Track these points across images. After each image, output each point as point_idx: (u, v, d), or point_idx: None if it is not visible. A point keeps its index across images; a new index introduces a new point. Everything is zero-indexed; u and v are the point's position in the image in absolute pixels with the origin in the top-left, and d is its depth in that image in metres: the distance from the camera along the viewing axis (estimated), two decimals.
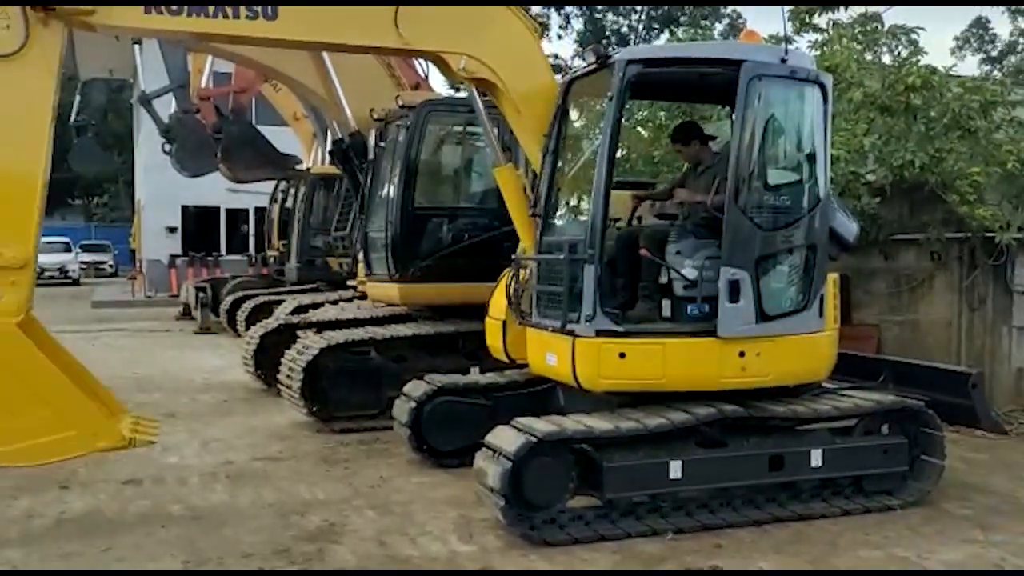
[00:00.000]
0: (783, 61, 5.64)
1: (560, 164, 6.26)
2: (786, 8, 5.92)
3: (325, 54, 9.69)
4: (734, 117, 5.63)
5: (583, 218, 5.93)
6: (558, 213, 6.44)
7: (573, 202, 6.86)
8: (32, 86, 4.89)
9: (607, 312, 5.41)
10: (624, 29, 40.29)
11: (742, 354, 5.49)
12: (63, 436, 5.21)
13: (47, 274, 32.55)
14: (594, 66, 5.76)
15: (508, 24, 6.27)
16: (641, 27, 40.92)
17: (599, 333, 5.37)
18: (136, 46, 12.63)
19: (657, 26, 41.36)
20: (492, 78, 6.19)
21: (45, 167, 4.96)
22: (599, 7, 39.37)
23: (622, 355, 5.37)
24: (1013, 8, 43.11)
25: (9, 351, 5.16)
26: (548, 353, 5.82)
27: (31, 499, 6.01)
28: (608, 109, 5.48)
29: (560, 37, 41.64)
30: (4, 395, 5.12)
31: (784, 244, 5.69)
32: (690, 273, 5.63)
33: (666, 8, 40.09)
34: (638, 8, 40.71)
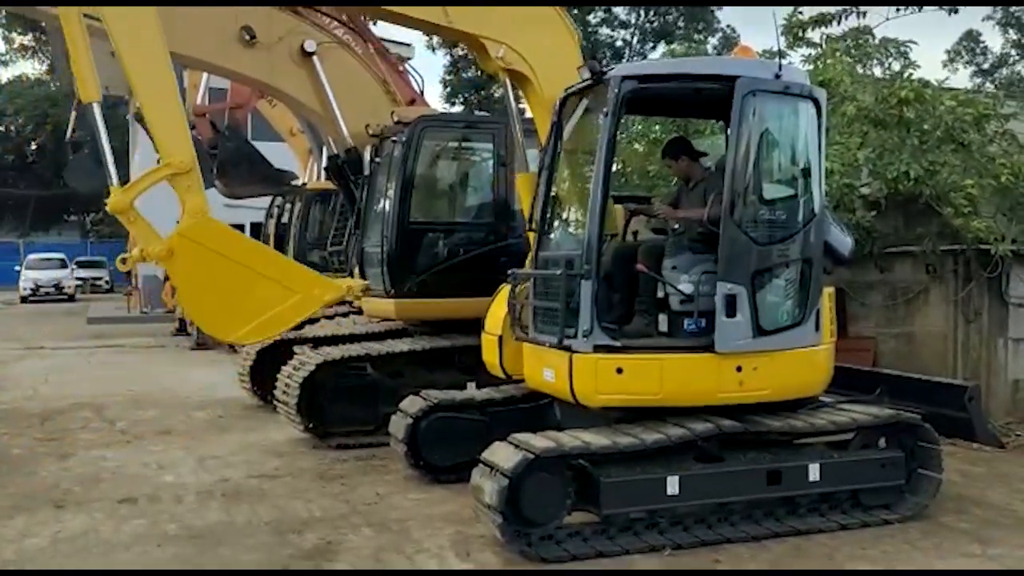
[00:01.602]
0: (777, 76, 5.67)
1: (556, 179, 6.28)
2: (779, 23, 5.95)
3: (321, 70, 9.73)
4: (729, 132, 5.66)
5: (579, 233, 5.94)
6: (555, 228, 6.45)
7: (569, 217, 6.88)
8: (144, 33, 5.74)
9: (604, 327, 5.41)
10: (619, 43, 40.49)
11: (739, 369, 5.49)
12: (291, 302, 5.80)
13: (42, 290, 32.53)
14: (589, 82, 5.79)
15: (554, 26, 6.35)
16: (635, 42, 41.15)
17: (596, 348, 5.37)
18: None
19: (651, 41, 41.61)
20: (528, 73, 6.24)
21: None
22: (591, 24, 39.54)
23: (619, 370, 5.36)
24: (1003, 22, 43.44)
25: (215, 239, 5.77)
26: (545, 368, 5.82)
27: (26, 518, 5.97)
28: (603, 125, 5.50)
29: None
30: (230, 279, 5.73)
31: (780, 258, 5.69)
32: (686, 288, 5.64)
33: (660, 22, 40.32)
34: (633, 22, 40.95)
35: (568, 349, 5.46)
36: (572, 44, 6.39)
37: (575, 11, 38.03)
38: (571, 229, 6.49)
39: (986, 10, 44.22)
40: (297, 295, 5.87)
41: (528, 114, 7.27)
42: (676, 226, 6.16)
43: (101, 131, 5.75)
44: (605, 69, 5.70)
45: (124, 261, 6.02)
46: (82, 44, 5.69)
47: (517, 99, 6.96)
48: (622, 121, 6.13)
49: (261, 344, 9.63)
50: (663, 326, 5.75)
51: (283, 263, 6.11)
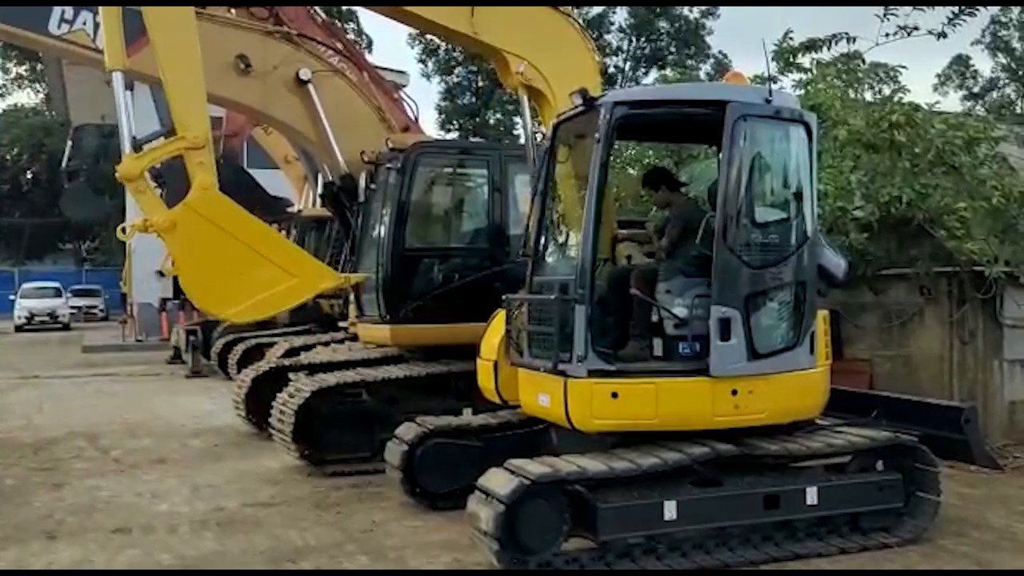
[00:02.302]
0: (768, 101, 5.72)
1: (549, 204, 6.30)
2: (770, 49, 6.05)
3: (316, 98, 9.78)
4: (721, 157, 5.69)
5: (573, 258, 5.95)
6: (549, 253, 6.46)
7: (563, 242, 6.90)
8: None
9: (599, 352, 5.40)
10: (611, 70, 40.81)
11: (735, 392, 5.48)
12: (289, 285, 5.90)
13: (37, 319, 32.43)
14: (581, 108, 5.83)
15: (576, 49, 6.44)
16: (628, 68, 41.50)
17: (591, 373, 5.36)
18: (128, 92, 12.70)
19: (644, 67, 41.96)
20: (546, 91, 6.32)
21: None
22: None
23: (614, 395, 5.35)
24: (992, 46, 43.93)
25: (219, 214, 5.83)
26: (540, 394, 5.80)
27: (19, 549, 5.91)
28: (596, 150, 5.53)
29: None
30: (232, 256, 5.76)
31: (773, 281, 5.71)
32: (681, 312, 5.64)
33: (652, 48, 40.70)
34: (625, 48, 41.31)
35: (563, 374, 5.45)
36: (592, 67, 6.50)
37: None
38: (565, 254, 6.50)
39: (975, 34, 44.76)
40: (296, 279, 5.94)
41: (522, 140, 7.33)
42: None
43: (121, 100, 5.83)
44: (597, 95, 5.75)
45: (125, 231, 6.04)
46: (114, 14, 5.95)
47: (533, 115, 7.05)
48: (615, 146, 6.16)
49: (256, 371, 9.61)
50: (658, 350, 5.75)
51: (285, 246, 6.22)
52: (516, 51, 6.28)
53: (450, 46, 42.26)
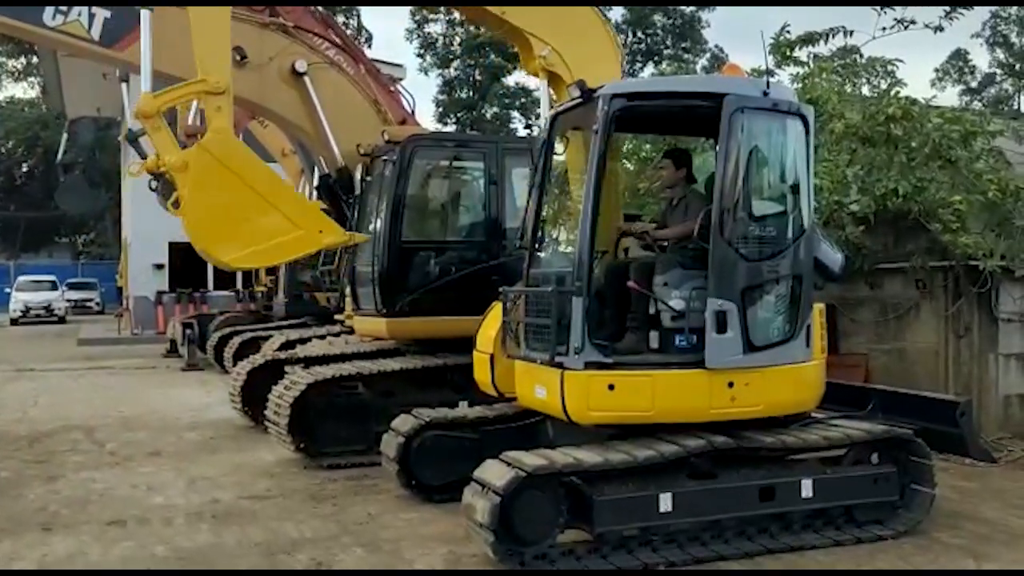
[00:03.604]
0: (765, 94, 5.72)
1: (547, 197, 6.29)
2: (767, 42, 6.04)
3: (312, 90, 9.75)
4: (718, 149, 5.68)
5: (570, 250, 5.95)
6: (546, 245, 6.46)
7: (560, 235, 6.89)
8: None
9: (596, 344, 5.40)
10: None
11: (731, 385, 5.48)
12: (292, 236, 5.95)
13: (33, 312, 32.38)
14: (579, 100, 5.81)
15: (601, 39, 6.47)
16: (624, 62, 41.45)
17: (588, 365, 5.36)
18: (124, 84, 12.66)
19: (640, 61, 41.94)
20: (566, 78, 6.34)
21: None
22: None
23: (611, 387, 5.35)
24: (991, 41, 43.96)
25: (233, 159, 5.87)
26: (537, 386, 5.80)
27: (13, 541, 5.90)
28: (593, 142, 5.52)
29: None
30: (239, 202, 5.82)
31: (770, 274, 5.71)
32: (678, 304, 5.64)
33: (649, 42, 40.69)
34: (621, 43, 41.26)
35: (560, 366, 5.45)
36: (614, 59, 6.54)
37: None
38: (562, 246, 6.50)
39: (974, 28, 44.84)
40: (300, 231, 6.00)
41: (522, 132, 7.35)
42: (665, 243, 6.18)
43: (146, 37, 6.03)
44: (594, 87, 5.73)
45: (136, 169, 6.13)
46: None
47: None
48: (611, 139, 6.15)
49: (252, 364, 9.60)
50: (654, 343, 5.74)
51: (293, 197, 6.27)
52: (541, 35, 6.34)
53: (448, 40, 42.27)
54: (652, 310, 5.79)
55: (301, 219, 6.00)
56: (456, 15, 39.82)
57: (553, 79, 6.40)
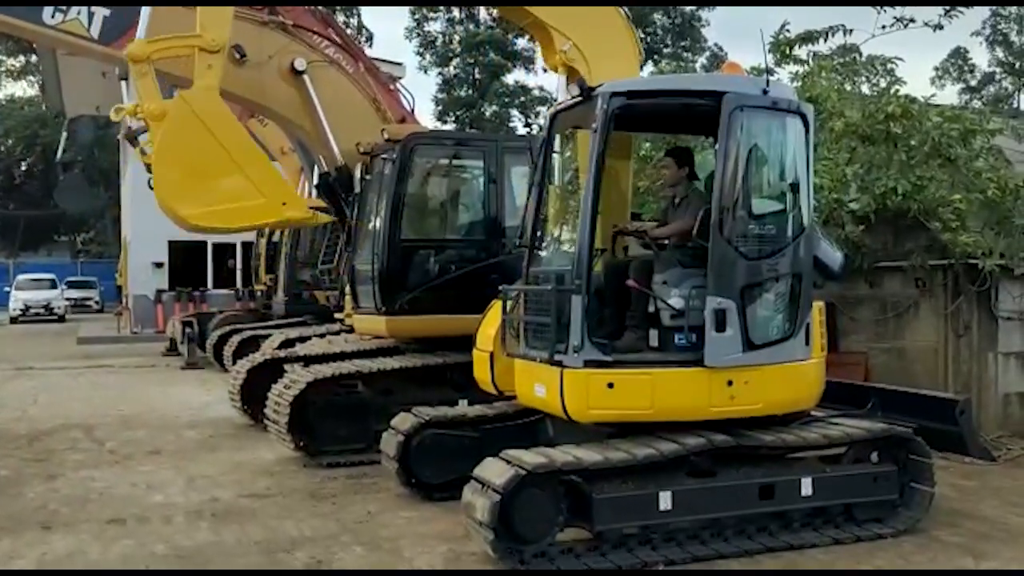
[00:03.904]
0: (765, 92, 5.71)
1: (546, 195, 6.29)
2: (766, 40, 6.06)
3: (311, 89, 9.74)
4: (717, 148, 5.68)
5: (570, 249, 5.95)
6: (545, 244, 6.45)
7: (560, 233, 6.89)
8: None
9: (595, 342, 5.40)
10: None
11: (730, 383, 5.48)
12: (254, 203, 5.93)
13: (32, 311, 32.36)
14: (579, 98, 5.81)
15: (622, 38, 6.50)
16: (642, 61, 41.41)
17: (587, 364, 5.36)
18: (123, 82, 12.61)
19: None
20: (585, 73, 6.34)
21: None
22: None
23: (610, 385, 5.35)
24: (991, 40, 43.95)
25: (212, 117, 5.86)
26: (537, 384, 5.80)
27: (12, 540, 5.90)
28: (593, 140, 5.52)
29: (546, 71, 42.10)
30: (209, 159, 5.79)
31: (769, 273, 5.71)
32: (677, 303, 5.64)
33: (648, 41, 40.64)
34: None
35: (559, 364, 5.45)
36: (633, 58, 6.58)
37: None
38: (562, 245, 6.50)
39: (974, 26, 44.82)
40: (263, 199, 5.99)
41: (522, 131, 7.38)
42: (665, 241, 6.18)
43: None
44: (593, 85, 5.73)
45: (117, 111, 6.10)
46: None
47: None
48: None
49: (251, 363, 9.60)
50: (654, 341, 5.75)
51: (263, 165, 6.22)
52: (564, 29, 6.37)
53: (447, 38, 42.25)
54: (652, 308, 5.80)
55: (266, 187, 5.99)
56: (456, 13, 39.86)
57: (572, 75, 6.44)
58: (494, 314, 6.54)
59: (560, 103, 6.19)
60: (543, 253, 6.33)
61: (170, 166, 6.08)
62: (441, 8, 39.21)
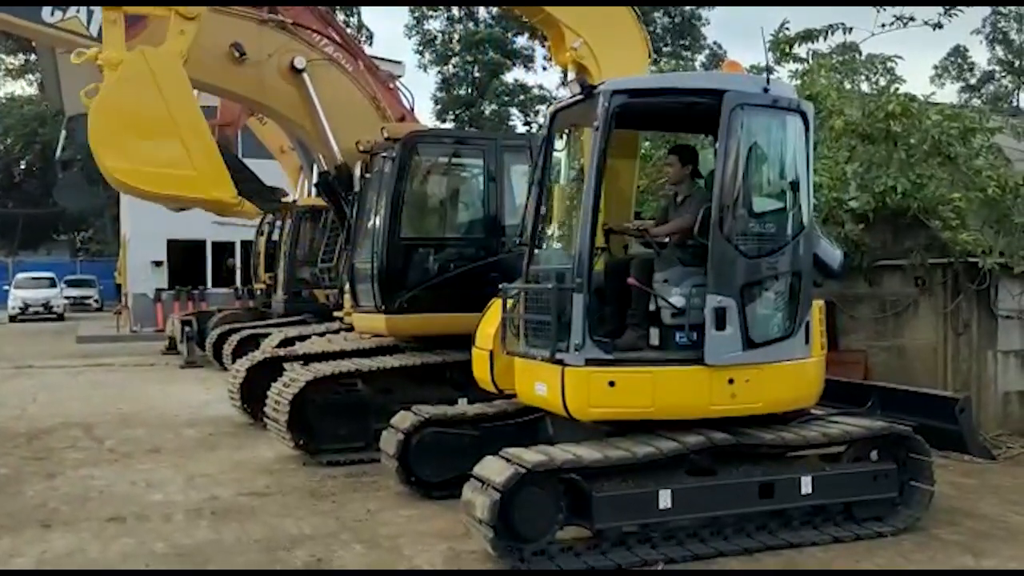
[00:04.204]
0: (765, 90, 5.71)
1: (547, 194, 6.29)
2: (766, 39, 6.06)
3: (311, 87, 9.73)
4: (717, 146, 5.68)
5: (570, 247, 5.94)
6: (546, 242, 6.45)
7: (560, 232, 6.89)
8: None
9: (596, 341, 5.40)
10: None
11: (731, 381, 5.48)
12: (183, 173, 5.90)
13: (31, 309, 32.35)
14: (579, 96, 5.81)
15: (632, 37, 6.52)
16: (650, 61, 41.34)
17: (588, 362, 5.36)
18: None
19: None
20: (594, 72, 6.36)
21: None
22: None
23: (611, 384, 5.35)
24: (991, 38, 43.92)
25: (167, 79, 5.82)
26: (537, 383, 5.80)
27: (12, 538, 5.90)
28: (594, 139, 5.52)
29: (545, 69, 42.12)
30: (151, 118, 5.77)
31: (769, 271, 5.71)
32: (678, 301, 5.64)
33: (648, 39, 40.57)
34: None
35: (560, 363, 5.45)
36: (642, 57, 6.60)
37: None
38: (562, 243, 6.50)
39: (974, 24, 44.80)
40: (193, 173, 5.95)
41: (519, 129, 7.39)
42: (666, 240, 6.17)
43: None
44: (594, 83, 5.73)
45: (79, 55, 6.10)
46: None
47: None
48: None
49: (251, 361, 9.60)
50: (655, 339, 5.74)
51: (205, 141, 6.13)
52: (576, 27, 6.40)
53: (447, 37, 42.21)
54: (652, 307, 5.79)
55: (201, 163, 5.95)
56: (455, 11, 39.79)
57: (582, 72, 6.45)
58: (494, 313, 6.53)
59: (560, 101, 6.18)
60: (543, 252, 6.32)
61: (109, 114, 6.01)
62: (440, 7, 39.19)
